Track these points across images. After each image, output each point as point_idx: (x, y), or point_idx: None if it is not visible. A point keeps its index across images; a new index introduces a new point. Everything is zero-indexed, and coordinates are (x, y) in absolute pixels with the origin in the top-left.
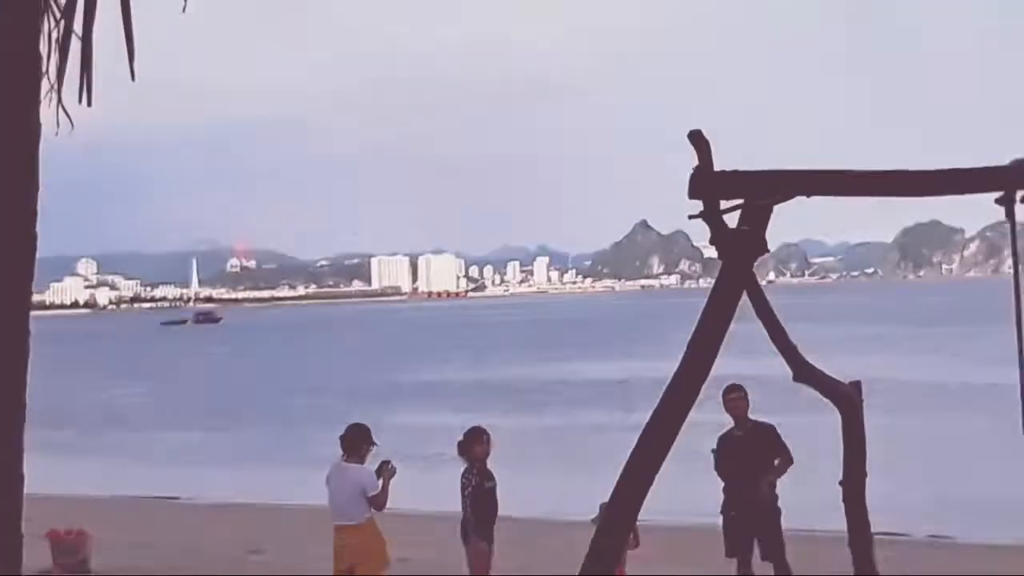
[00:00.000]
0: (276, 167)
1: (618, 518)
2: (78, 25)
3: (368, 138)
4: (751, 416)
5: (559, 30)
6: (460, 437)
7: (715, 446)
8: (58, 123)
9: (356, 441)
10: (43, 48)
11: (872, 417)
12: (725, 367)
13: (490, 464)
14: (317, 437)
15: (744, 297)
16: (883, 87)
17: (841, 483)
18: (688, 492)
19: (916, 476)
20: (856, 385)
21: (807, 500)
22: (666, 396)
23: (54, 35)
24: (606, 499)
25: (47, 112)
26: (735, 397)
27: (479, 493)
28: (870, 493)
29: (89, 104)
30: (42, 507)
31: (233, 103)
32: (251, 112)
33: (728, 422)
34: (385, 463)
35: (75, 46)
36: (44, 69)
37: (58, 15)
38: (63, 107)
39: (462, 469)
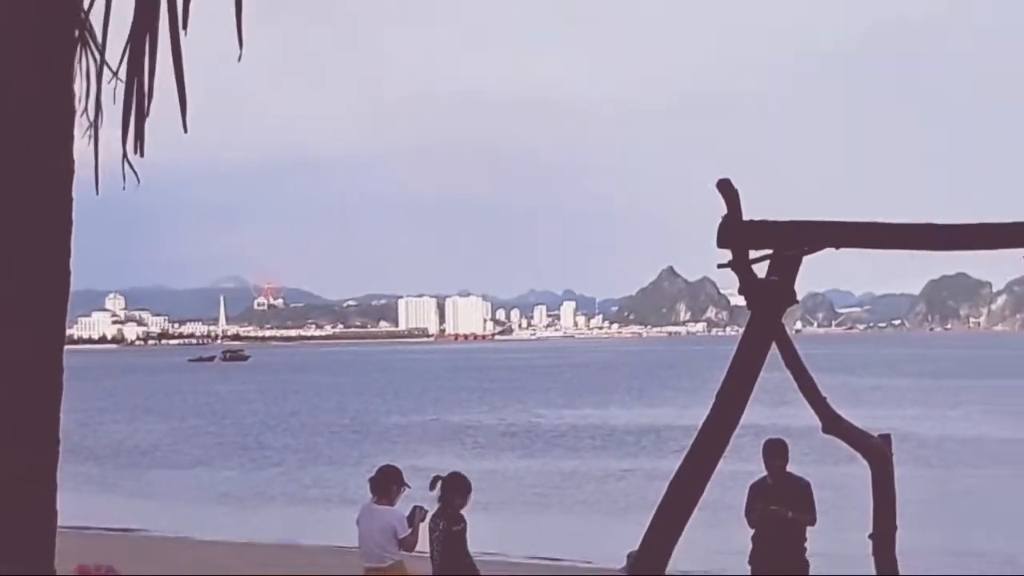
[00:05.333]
0: (304, 205)
1: (648, 568)
2: (117, 65)
3: (397, 179)
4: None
5: (589, 75)
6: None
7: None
8: (124, 176)
9: (386, 483)
10: (80, 87)
11: (900, 470)
12: (754, 417)
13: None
14: (342, 477)
15: (773, 347)
16: (917, 139)
17: (871, 536)
18: (717, 542)
19: (945, 530)
20: (886, 438)
21: (836, 553)
22: (695, 446)
23: (91, 73)
24: (633, 548)
25: (83, 151)
26: (779, 465)
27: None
28: (899, 547)
29: (142, 155)
30: (70, 542)
31: (262, 139)
32: (280, 149)
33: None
34: (418, 507)
35: (118, 88)
36: (82, 109)
37: (96, 54)
38: (129, 162)
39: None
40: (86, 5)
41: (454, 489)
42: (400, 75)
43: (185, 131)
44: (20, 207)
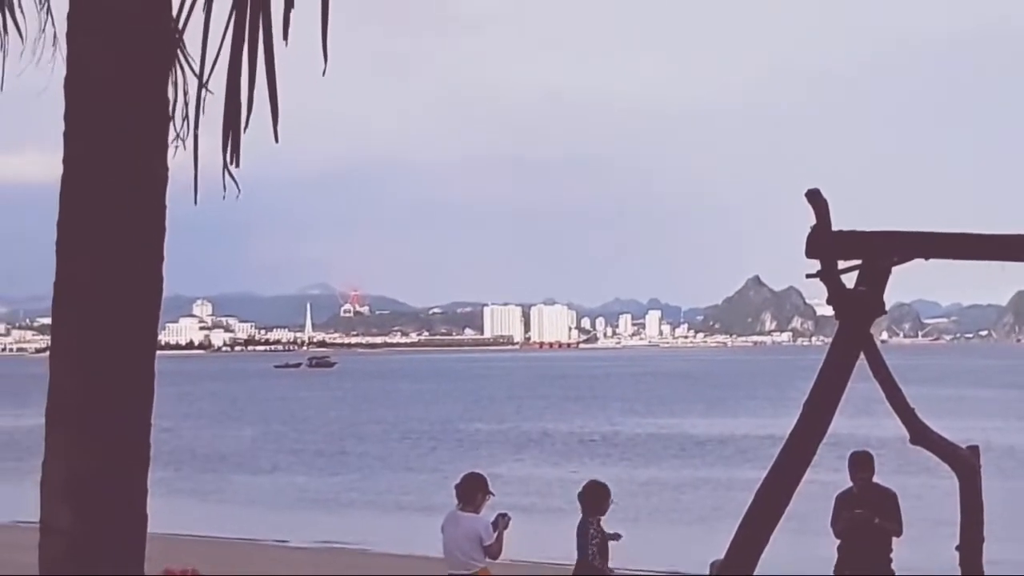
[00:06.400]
0: (391, 213)
1: None
2: (207, 76)
3: (483, 186)
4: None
5: (666, 85)
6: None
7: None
8: (224, 187)
9: (472, 490)
10: (172, 97)
11: (986, 481)
12: (838, 427)
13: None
14: (421, 484)
15: (861, 358)
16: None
17: (958, 548)
18: (802, 552)
19: None
20: (974, 450)
21: (923, 564)
22: (782, 455)
23: (180, 84)
24: (718, 556)
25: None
26: (866, 477)
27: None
28: (986, 558)
29: (237, 165)
30: (153, 546)
31: (348, 147)
32: (367, 156)
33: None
34: (502, 515)
35: (207, 98)
36: (171, 115)
37: (189, 66)
38: (230, 173)
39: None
40: (183, 15)
41: (594, 497)
42: (486, 81)
43: (276, 141)
44: (116, 214)
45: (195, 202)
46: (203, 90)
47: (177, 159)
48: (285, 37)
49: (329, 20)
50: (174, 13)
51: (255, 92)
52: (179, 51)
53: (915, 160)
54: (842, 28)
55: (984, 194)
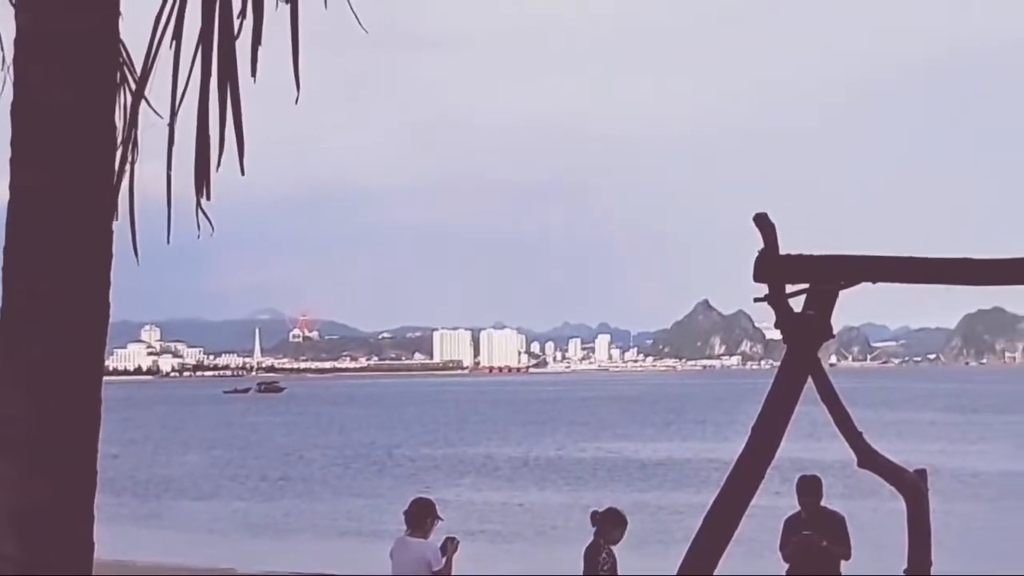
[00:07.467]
0: (340, 238)
1: None
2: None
3: (432, 211)
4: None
5: (616, 114)
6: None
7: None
8: (199, 226)
9: (420, 515)
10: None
11: (935, 505)
12: (789, 451)
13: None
14: (365, 509)
15: (808, 381)
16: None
17: (905, 571)
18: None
19: (979, 565)
20: (921, 473)
21: None
22: (730, 479)
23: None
24: None
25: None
26: (813, 502)
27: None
28: None
29: (208, 199)
30: (102, 572)
31: (297, 171)
32: (316, 181)
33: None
34: (450, 539)
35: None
36: (120, 140)
37: (132, 86)
38: (203, 210)
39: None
40: (150, 52)
41: (613, 523)
42: (436, 106)
43: (243, 174)
44: (62, 240)
45: (168, 241)
46: (172, 127)
47: (134, 188)
48: (253, 74)
49: (300, 49)
50: (144, 50)
51: (220, 125)
52: (131, 79)
53: (882, 181)
54: (798, 57)
55: (962, 215)
